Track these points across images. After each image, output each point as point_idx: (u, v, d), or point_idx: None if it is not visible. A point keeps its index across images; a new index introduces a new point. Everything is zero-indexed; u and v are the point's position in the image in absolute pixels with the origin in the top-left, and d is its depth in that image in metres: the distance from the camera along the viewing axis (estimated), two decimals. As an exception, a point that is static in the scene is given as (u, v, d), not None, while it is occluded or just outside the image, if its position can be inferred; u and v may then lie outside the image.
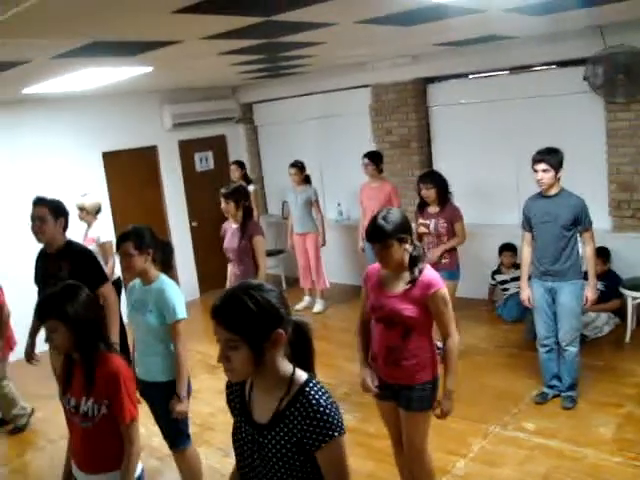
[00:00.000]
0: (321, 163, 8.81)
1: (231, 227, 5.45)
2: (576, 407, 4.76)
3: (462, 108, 7.38)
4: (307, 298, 8.07)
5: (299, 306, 7.98)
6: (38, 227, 4.20)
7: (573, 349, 4.72)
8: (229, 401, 2.11)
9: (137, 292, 3.71)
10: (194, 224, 8.86)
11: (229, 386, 2.10)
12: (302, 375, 1.94)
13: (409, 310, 3.15)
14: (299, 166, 7.61)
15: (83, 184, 7.45)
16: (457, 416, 3.76)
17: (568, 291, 4.62)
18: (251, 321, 1.80)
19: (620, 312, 6.10)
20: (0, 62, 4.09)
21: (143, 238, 3.60)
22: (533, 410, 4.81)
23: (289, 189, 7.83)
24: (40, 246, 4.42)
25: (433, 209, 5.65)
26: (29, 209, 4.31)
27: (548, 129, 6.31)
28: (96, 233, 6.10)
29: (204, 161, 9.21)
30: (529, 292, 4.83)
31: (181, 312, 3.59)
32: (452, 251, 5.66)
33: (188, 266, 8.82)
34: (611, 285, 6.09)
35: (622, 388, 4.99)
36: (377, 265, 3.37)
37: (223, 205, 5.32)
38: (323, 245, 7.79)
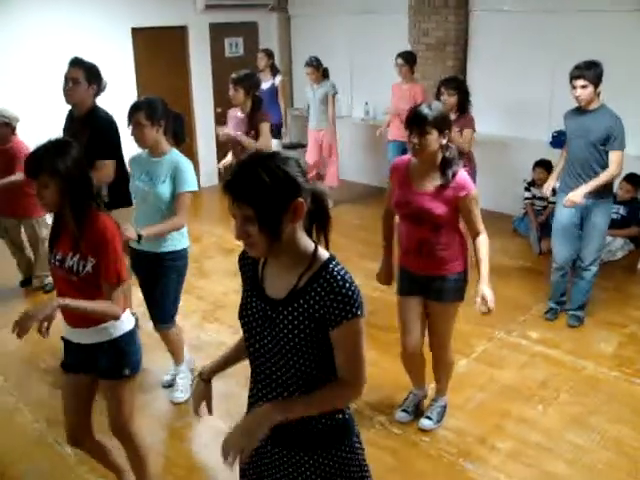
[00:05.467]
0: (352, 60, 8.60)
1: (237, 116, 5.25)
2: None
3: (505, 15, 7.08)
4: None
5: None
6: (70, 88, 4.12)
7: (594, 269, 4.70)
8: (243, 272, 2.00)
9: (144, 164, 3.63)
10: (218, 110, 8.71)
11: (242, 258, 2.00)
12: (324, 253, 1.85)
13: (439, 209, 3.13)
14: (314, 65, 7.34)
15: (111, 60, 7.31)
16: (464, 318, 3.82)
17: (599, 210, 4.52)
18: (264, 192, 1.69)
19: (637, 240, 6.13)
20: None
21: (156, 109, 3.51)
22: (539, 321, 4.91)
23: (308, 85, 7.64)
24: (67, 108, 4.34)
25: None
26: (57, 80, 4.22)
27: (592, 46, 6.03)
28: None
29: (234, 47, 9.00)
30: (554, 184, 4.78)
31: (193, 183, 3.56)
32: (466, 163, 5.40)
33: (209, 151, 8.79)
34: (633, 211, 6.07)
35: (628, 310, 5.07)
36: (405, 158, 3.31)
37: (231, 92, 5.12)
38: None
